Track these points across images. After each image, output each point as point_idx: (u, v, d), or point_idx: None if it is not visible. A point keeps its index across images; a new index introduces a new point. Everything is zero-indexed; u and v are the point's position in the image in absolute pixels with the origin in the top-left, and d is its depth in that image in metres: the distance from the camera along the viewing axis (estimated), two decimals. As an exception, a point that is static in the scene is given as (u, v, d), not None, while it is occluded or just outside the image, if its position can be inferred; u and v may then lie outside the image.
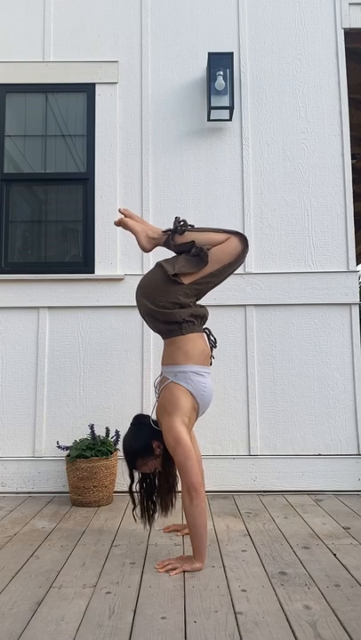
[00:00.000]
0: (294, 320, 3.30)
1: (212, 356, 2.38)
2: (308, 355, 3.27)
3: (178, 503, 2.35)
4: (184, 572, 1.99)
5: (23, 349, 3.30)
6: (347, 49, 3.54)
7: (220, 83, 3.28)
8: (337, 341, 3.27)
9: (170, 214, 3.30)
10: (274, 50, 3.49)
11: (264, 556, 2.16)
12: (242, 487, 3.14)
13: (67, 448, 3.00)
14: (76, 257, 3.44)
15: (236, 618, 1.65)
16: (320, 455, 3.19)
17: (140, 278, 3.30)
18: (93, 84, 3.48)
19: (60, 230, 3.52)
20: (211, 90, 3.31)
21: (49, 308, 3.32)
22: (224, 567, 2.05)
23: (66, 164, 3.50)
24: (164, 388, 2.23)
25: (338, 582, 1.90)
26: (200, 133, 3.45)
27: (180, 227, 2.30)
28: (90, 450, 2.91)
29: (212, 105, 3.32)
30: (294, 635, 1.55)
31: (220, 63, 3.32)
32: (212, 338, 2.40)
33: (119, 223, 2.50)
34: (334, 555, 2.16)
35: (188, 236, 2.29)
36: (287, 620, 1.63)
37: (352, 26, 3.48)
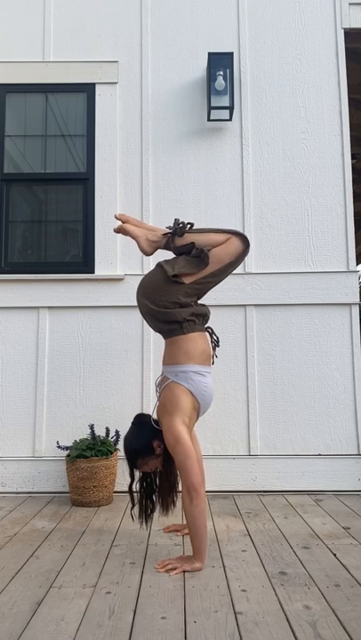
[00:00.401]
0: (294, 320, 3.30)
1: (215, 355, 2.38)
2: (308, 355, 3.27)
3: (178, 503, 2.35)
4: (184, 571, 2.00)
5: (23, 349, 3.30)
6: (347, 49, 3.54)
7: (220, 83, 3.28)
8: (337, 341, 3.27)
9: (170, 214, 3.30)
10: (274, 50, 3.49)
11: (264, 556, 2.16)
12: (242, 487, 3.14)
13: (67, 448, 3.00)
14: (76, 257, 3.44)
15: (236, 618, 1.65)
16: (320, 455, 3.19)
17: (140, 278, 3.30)
18: (93, 84, 3.48)
19: (60, 230, 3.52)
20: (211, 90, 3.31)
21: (49, 308, 3.32)
22: (224, 567, 2.05)
23: (66, 164, 3.50)
24: (165, 388, 2.23)
25: (338, 582, 1.90)
26: (200, 133, 3.45)
27: (180, 229, 2.30)
28: (90, 450, 2.91)
29: (212, 105, 3.32)
30: (294, 635, 1.55)
31: (220, 63, 3.32)
32: (214, 337, 2.40)
33: (119, 230, 2.50)
34: (334, 555, 2.17)
35: (188, 238, 2.29)
36: (287, 620, 1.63)
37: (352, 26, 3.48)
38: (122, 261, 3.36)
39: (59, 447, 3.03)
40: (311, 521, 2.61)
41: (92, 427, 3.02)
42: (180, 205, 3.38)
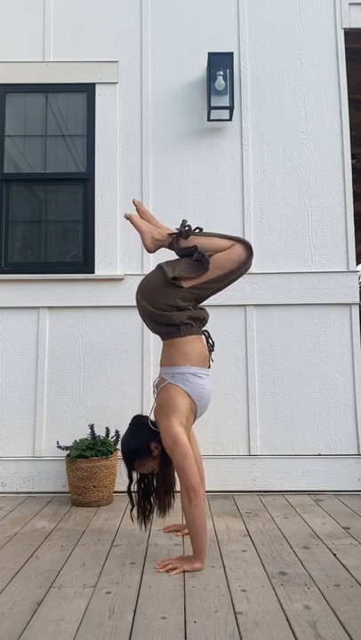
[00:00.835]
0: (294, 320, 3.30)
1: (210, 359, 2.38)
2: (308, 355, 3.27)
3: (177, 503, 2.35)
4: (184, 571, 2.00)
5: (23, 349, 3.30)
6: (347, 49, 3.54)
7: (220, 83, 3.27)
8: (337, 341, 3.27)
9: (170, 214, 3.30)
10: (274, 50, 3.49)
11: (264, 556, 2.16)
12: (242, 487, 3.14)
13: (67, 448, 3.00)
14: (76, 257, 3.44)
15: (236, 618, 1.65)
16: (320, 455, 3.19)
17: (140, 278, 3.30)
18: (93, 84, 3.48)
19: (60, 230, 3.52)
20: (211, 90, 3.31)
21: (49, 307, 3.32)
22: (224, 567, 2.05)
23: (66, 164, 3.50)
24: (162, 389, 2.23)
25: (338, 582, 1.90)
26: (200, 133, 3.45)
27: (186, 231, 2.30)
28: (90, 450, 2.91)
29: (212, 105, 3.32)
30: (294, 635, 1.55)
31: (220, 63, 3.32)
32: (210, 341, 2.40)
33: (129, 218, 2.49)
34: (334, 555, 2.17)
35: (193, 241, 2.29)
36: (287, 620, 1.63)
37: (352, 26, 3.48)
38: (122, 261, 3.36)
39: (59, 447, 3.03)
40: (311, 521, 2.61)
41: (92, 427, 3.02)
42: (180, 205, 3.38)
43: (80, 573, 2.01)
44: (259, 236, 3.36)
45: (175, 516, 2.50)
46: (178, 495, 2.23)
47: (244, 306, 3.30)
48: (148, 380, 3.24)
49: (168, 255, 2.41)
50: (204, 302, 2.40)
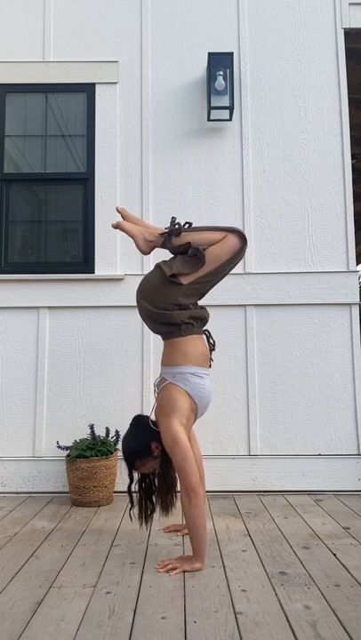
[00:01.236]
0: (294, 320, 3.30)
1: (211, 359, 2.38)
2: (308, 355, 3.27)
3: (178, 503, 2.34)
4: (184, 571, 2.00)
5: (23, 349, 3.30)
6: (347, 49, 3.54)
7: (220, 83, 3.27)
8: (337, 341, 3.27)
9: (170, 214, 3.28)
10: (274, 50, 3.49)
11: (264, 556, 2.16)
12: (242, 487, 3.14)
13: (67, 448, 3.00)
14: (76, 257, 3.44)
15: (236, 618, 1.65)
16: (320, 455, 3.19)
17: (139, 278, 3.30)
18: (93, 84, 3.48)
19: (60, 230, 3.52)
20: (211, 90, 3.31)
21: (49, 307, 3.32)
22: (224, 567, 2.05)
23: (66, 164, 3.50)
24: (163, 389, 2.23)
25: (338, 582, 1.90)
26: (200, 133, 3.45)
27: (176, 229, 2.30)
28: (90, 450, 2.91)
29: (212, 105, 3.32)
30: (294, 635, 1.55)
31: (220, 63, 3.32)
32: (211, 340, 2.40)
33: (117, 226, 2.49)
34: (334, 555, 2.16)
35: (185, 237, 2.29)
36: (287, 620, 1.63)
37: (352, 26, 3.48)
38: (122, 261, 3.36)
39: (59, 447, 3.03)
40: (311, 521, 2.61)
41: (92, 427, 3.02)
42: (180, 205, 3.38)
43: (80, 573, 2.01)
44: (259, 236, 3.36)
45: (175, 515, 2.50)
46: (179, 494, 2.23)
47: (244, 306, 3.30)
48: (148, 379, 3.24)
49: (166, 255, 2.41)
50: (205, 302, 2.40)
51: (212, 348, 2.39)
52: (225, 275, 2.35)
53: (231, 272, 3.22)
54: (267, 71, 3.48)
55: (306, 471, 3.15)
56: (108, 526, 2.57)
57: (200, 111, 3.46)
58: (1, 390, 3.27)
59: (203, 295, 2.35)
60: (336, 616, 1.66)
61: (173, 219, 2.35)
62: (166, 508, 2.22)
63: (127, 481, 2.24)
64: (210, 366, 2.36)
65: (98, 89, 3.48)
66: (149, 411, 2.95)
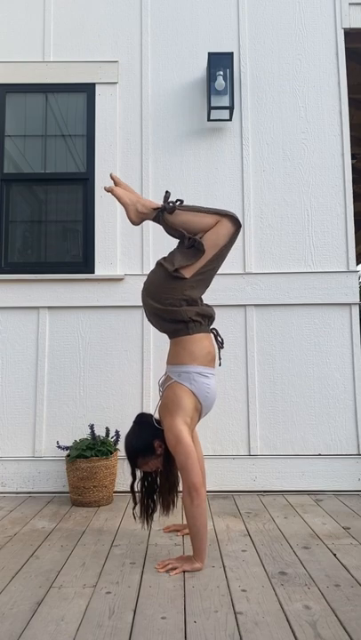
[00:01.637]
0: (294, 320, 3.30)
1: (219, 358, 2.37)
2: (308, 355, 3.27)
3: (178, 502, 2.34)
4: (184, 571, 1.99)
5: (23, 349, 3.30)
6: (347, 49, 3.54)
7: (220, 83, 3.27)
8: (337, 341, 3.27)
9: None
10: (274, 50, 3.49)
11: (264, 556, 2.16)
12: (242, 487, 3.14)
13: (67, 448, 3.00)
14: (76, 257, 3.44)
15: (236, 618, 1.65)
16: (320, 455, 3.19)
17: (140, 278, 3.30)
18: (93, 84, 3.48)
19: (60, 230, 3.52)
20: (211, 90, 3.31)
21: (49, 307, 3.32)
22: (224, 567, 2.05)
23: (66, 164, 3.50)
24: (168, 388, 2.23)
25: (338, 582, 1.90)
26: (200, 133, 3.45)
27: (170, 207, 2.27)
28: (90, 450, 2.91)
29: (212, 105, 3.32)
30: (294, 635, 1.55)
31: (220, 63, 3.32)
32: (219, 339, 2.39)
33: (109, 190, 2.44)
34: (334, 555, 2.16)
35: (179, 216, 2.26)
36: (287, 620, 1.63)
37: (352, 26, 3.48)
38: (122, 261, 3.36)
39: (59, 447, 3.03)
40: (311, 521, 2.61)
41: (92, 427, 3.02)
42: (180, 205, 3.37)
43: (80, 573, 2.01)
44: (259, 236, 3.36)
45: (175, 515, 2.50)
46: (179, 494, 2.23)
47: (244, 306, 3.30)
48: (148, 380, 3.24)
49: (165, 251, 2.40)
50: (206, 300, 2.39)
51: (220, 346, 2.38)
52: (223, 261, 2.34)
53: (231, 272, 3.27)
54: (267, 71, 3.48)
55: (306, 471, 3.15)
56: (108, 526, 2.57)
57: (200, 111, 3.46)
58: (1, 390, 3.27)
59: (208, 285, 2.35)
60: (336, 616, 1.66)
61: (168, 194, 2.32)
62: (167, 507, 2.22)
63: (128, 480, 2.24)
64: (220, 364, 2.34)
65: (98, 89, 3.48)
66: (149, 411, 2.96)
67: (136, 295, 3.23)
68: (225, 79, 3.30)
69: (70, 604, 1.76)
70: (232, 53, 3.36)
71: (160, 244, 3.28)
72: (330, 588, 1.86)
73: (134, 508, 2.24)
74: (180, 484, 2.12)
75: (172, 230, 2.31)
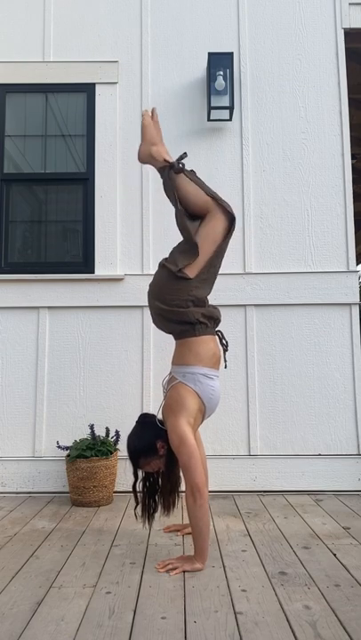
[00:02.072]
0: (294, 320, 3.30)
1: (225, 360, 2.37)
2: (308, 355, 3.27)
3: (179, 503, 2.34)
4: (184, 571, 1.99)
5: (23, 349, 3.30)
6: (347, 49, 3.54)
7: (220, 83, 3.27)
8: (337, 341, 3.27)
9: (170, 214, 3.28)
10: (274, 50, 3.49)
11: (264, 556, 2.16)
12: (242, 487, 3.14)
13: (67, 448, 3.00)
14: (76, 257, 3.44)
15: (236, 618, 1.65)
16: (320, 455, 3.19)
17: (140, 278, 3.31)
18: (93, 84, 3.48)
19: (60, 230, 3.52)
20: (211, 90, 3.31)
21: (49, 307, 3.32)
22: (224, 567, 2.05)
23: (66, 164, 3.50)
24: (172, 388, 2.23)
25: (338, 582, 1.90)
26: (200, 133, 3.45)
27: (179, 167, 2.29)
28: (90, 450, 2.91)
29: (212, 105, 3.32)
30: (294, 635, 1.55)
31: (220, 63, 3.32)
32: (224, 341, 2.39)
33: (145, 114, 2.49)
34: (334, 555, 2.17)
35: (182, 180, 2.28)
36: (287, 620, 1.63)
37: (352, 26, 3.48)
38: (122, 261, 3.36)
39: (59, 447, 3.03)
40: (311, 521, 2.61)
41: (92, 427, 3.02)
42: (180, 205, 3.37)
43: (80, 573, 2.01)
44: (259, 236, 3.36)
45: (176, 515, 2.50)
46: (180, 495, 2.23)
47: (244, 306, 3.30)
48: (148, 380, 3.24)
49: (165, 253, 2.40)
50: (211, 302, 2.40)
51: (225, 348, 2.39)
52: (223, 255, 2.35)
53: (231, 272, 3.27)
54: (267, 71, 3.48)
55: (306, 471, 3.15)
56: (108, 526, 2.57)
57: (200, 111, 3.46)
58: (1, 390, 3.27)
59: (212, 285, 2.35)
60: (336, 616, 1.66)
61: (184, 154, 2.36)
62: (168, 507, 2.22)
63: (128, 480, 2.25)
64: (225, 367, 2.35)
65: (98, 89, 3.48)
66: (149, 411, 2.96)
67: (136, 295, 3.24)
68: (225, 79, 3.30)
69: (70, 604, 1.76)
70: (232, 53, 3.36)
71: (160, 244, 3.28)
72: (330, 588, 1.86)
73: (136, 508, 2.24)
74: (183, 485, 2.12)
75: (169, 191, 2.32)
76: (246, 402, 3.23)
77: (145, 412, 2.65)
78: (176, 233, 2.40)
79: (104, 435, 3.05)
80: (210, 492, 3.00)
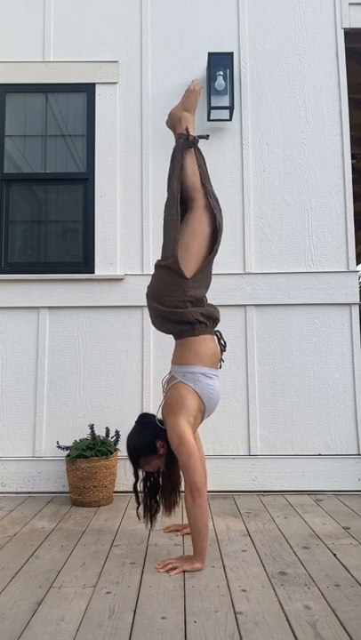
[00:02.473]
0: (294, 320, 3.30)
1: (221, 360, 2.38)
2: (308, 355, 3.27)
3: (179, 502, 2.34)
4: (184, 571, 1.99)
5: (23, 349, 3.30)
6: (347, 49, 3.54)
7: (220, 83, 3.28)
8: (337, 341, 3.27)
9: (170, 214, 3.29)
10: (274, 50, 3.49)
11: (264, 556, 2.16)
12: (242, 487, 3.14)
13: (67, 448, 3.00)
14: (76, 257, 3.44)
15: (236, 618, 1.65)
16: (320, 455, 3.19)
17: (140, 278, 3.31)
18: (93, 84, 3.48)
19: (60, 230, 3.52)
20: (211, 90, 3.31)
21: (49, 307, 3.32)
22: (224, 567, 2.05)
23: (66, 164, 3.50)
24: (172, 387, 2.23)
25: (338, 582, 1.90)
26: (200, 133, 3.43)
27: (192, 142, 2.41)
28: (90, 450, 2.90)
29: (212, 105, 3.32)
30: (294, 635, 1.55)
31: (220, 63, 3.32)
32: (222, 341, 2.40)
33: (195, 82, 2.59)
34: (334, 555, 2.16)
35: (190, 156, 2.39)
36: (287, 620, 1.63)
37: (352, 26, 3.48)
38: (122, 261, 3.36)
39: (59, 447, 3.03)
40: (311, 521, 2.61)
41: (92, 427, 3.02)
42: (180, 205, 3.37)
43: (80, 573, 2.01)
44: (259, 236, 3.36)
45: (176, 515, 2.50)
46: (181, 494, 2.23)
47: (244, 306, 3.30)
48: (148, 380, 3.24)
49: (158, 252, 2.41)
50: (211, 302, 2.40)
51: (223, 348, 2.39)
52: (216, 251, 2.38)
53: (231, 272, 3.28)
54: (267, 71, 3.48)
55: (306, 471, 3.15)
56: (108, 526, 2.57)
57: (200, 111, 3.44)
58: (1, 390, 3.27)
59: (209, 283, 2.38)
60: (336, 616, 1.66)
61: (207, 136, 2.54)
62: (169, 507, 2.22)
63: (128, 480, 2.25)
64: (220, 367, 2.36)
65: (98, 89, 3.48)
66: (149, 411, 2.96)
67: (136, 295, 3.24)
68: (225, 79, 3.30)
69: (70, 604, 1.76)
70: (232, 53, 3.36)
71: (160, 244, 3.26)
72: (330, 587, 1.86)
73: (137, 509, 2.24)
74: (183, 484, 2.12)
75: (175, 156, 2.43)
76: (246, 402, 3.23)
77: (144, 411, 2.65)
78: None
79: (104, 435, 3.05)
80: (209, 491, 3.00)
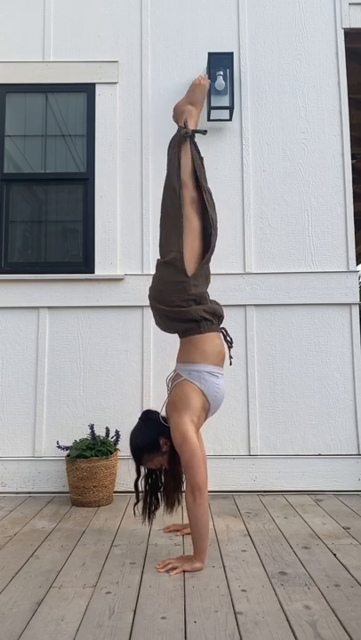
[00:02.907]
0: (294, 320, 3.30)
1: (230, 356, 2.37)
2: (308, 355, 3.27)
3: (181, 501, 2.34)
4: (184, 571, 1.99)
5: (23, 349, 3.30)
6: (347, 49, 3.54)
7: (220, 83, 3.28)
8: (337, 341, 3.27)
9: (170, 214, 3.29)
10: (274, 50, 3.49)
11: (264, 556, 2.16)
12: (242, 487, 3.14)
13: (67, 448, 3.00)
14: (76, 257, 3.44)
15: (236, 618, 1.65)
16: (320, 455, 3.19)
17: (140, 278, 3.31)
18: (93, 84, 3.48)
19: (60, 230, 3.52)
20: (211, 90, 3.31)
21: (49, 308, 3.32)
22: (224, 567, 2.05)
23: (66, 164, 3.50)
24: (177, 385, 2.22)
25: (338, 582, 1.90)
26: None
27: (187, 135, 2.43)
28: (90, 450, 2.90)
29: (212, 105, 3.32)
30: (294, 635, 1.55)
31: (220, 63, 3.32)
32: (228, 338, 2.40)
33: (202, 77, 2.67)
34: (334, 555, 2.16)
35: (187, 147, 2.41)
36: (287, 620, 1.63)
37: (352, 26, 3.48)
38: (122, 261, 3.36)
39: (59, 447, 3.03)
40: (311, 521, 2.61)
41: (92, 427, 3.02)
42: (180, 205, 3.37)
43: (80, 573, 2.01)
44: (259, 236, 3.36)
45: (176, 515, 2.50)
46: (183, 494, 2.23)
47: (244, 306, 3.29)
48: (148, 380, 3.24)
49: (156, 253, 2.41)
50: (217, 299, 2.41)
51: (230, 346, 2.39)
52: (215, 244, 2.37)
53: (231, 272, 3.28)
54: (267, 71, 3.48)
55: (306, 471, 3.15)
56: (108, 526, 2.57)
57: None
58: (1, 390, 3.27)
59: (208, 280, 2.39)
60: (336, 616, 1.66)
61: (205, 132, 2.53)
62: (171, 505, 2.22)
63: (128, 480, 2.25)
64: (230, 364, 2.35)
65: (98, 89, 3.48)
66: (160, 407, 2.95)
67: (136, 295, 3.24)
68: (225, 79, 3.30)
69: (70, 604, 1.76)
70: (232, 53, 3.36)
71: (160, 243, 3.28)
72: (330, 587, 1.86)
73: (135, 505, 2.23)
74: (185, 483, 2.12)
75: (172, 147, 2.46)
76: (246, 402, 3.23)
77: (149, 408, 2.65)
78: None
79: (104, 435, 3.05)
80: (209, 492, 3.00)
